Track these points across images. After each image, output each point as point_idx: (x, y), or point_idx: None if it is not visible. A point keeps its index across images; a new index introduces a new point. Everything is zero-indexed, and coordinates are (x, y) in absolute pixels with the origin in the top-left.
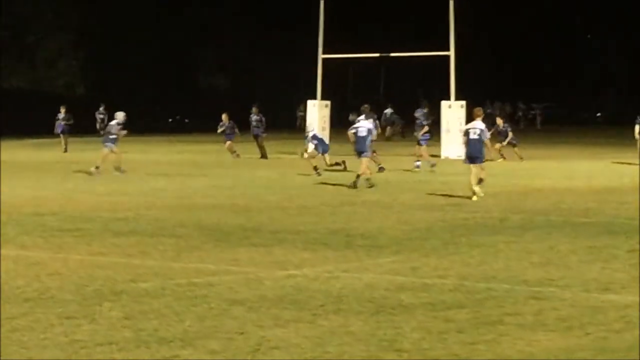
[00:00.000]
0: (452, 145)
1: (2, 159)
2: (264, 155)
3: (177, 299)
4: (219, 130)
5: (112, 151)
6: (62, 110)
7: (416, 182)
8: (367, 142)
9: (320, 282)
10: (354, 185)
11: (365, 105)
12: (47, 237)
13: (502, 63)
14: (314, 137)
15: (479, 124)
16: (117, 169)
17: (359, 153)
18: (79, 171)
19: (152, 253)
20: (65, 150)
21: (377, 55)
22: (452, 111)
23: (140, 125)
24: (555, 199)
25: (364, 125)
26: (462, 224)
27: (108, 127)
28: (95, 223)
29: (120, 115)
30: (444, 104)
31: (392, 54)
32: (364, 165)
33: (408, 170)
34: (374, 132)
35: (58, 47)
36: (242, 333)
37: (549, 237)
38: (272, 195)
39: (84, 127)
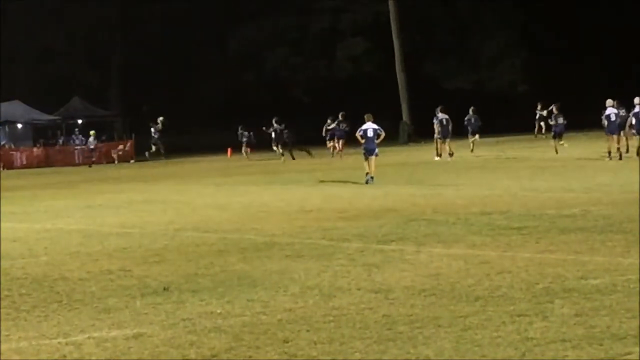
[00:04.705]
0: None
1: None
2: None
3: (628, 295)
4: None
5: None
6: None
7: None
8: None
9: None
10: None
11: None
12: (494, 235)
13: None
14: None
15: None
16: None
17: None
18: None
19: (600, 249)
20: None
21: None
22: None
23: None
24: None
25: None
26: None
27: None
28: (541, 220)
29: None
30: None
31: None
32: None
33: None
34: None
35: (500, 47)
36: None
37: None
38: None
39: (523, 125)
